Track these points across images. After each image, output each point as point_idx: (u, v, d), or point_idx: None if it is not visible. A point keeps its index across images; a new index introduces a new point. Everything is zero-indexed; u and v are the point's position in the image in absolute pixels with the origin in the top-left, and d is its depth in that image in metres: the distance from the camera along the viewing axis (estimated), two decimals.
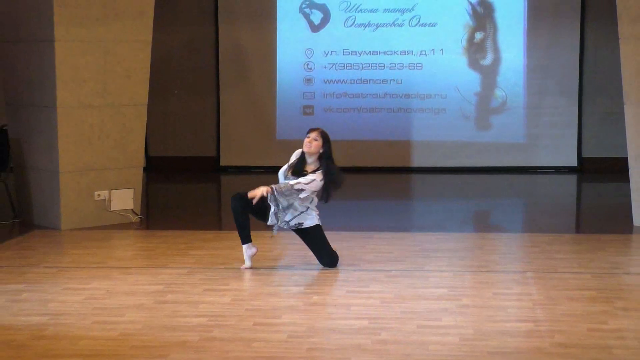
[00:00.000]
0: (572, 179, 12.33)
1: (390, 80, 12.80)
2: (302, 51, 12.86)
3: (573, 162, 12.68)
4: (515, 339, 5.38)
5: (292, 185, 6.84)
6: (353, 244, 7.96)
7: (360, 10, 12.79)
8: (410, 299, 6.24)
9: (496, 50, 12.68)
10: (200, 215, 9.60)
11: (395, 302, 6.17)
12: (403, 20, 12.74)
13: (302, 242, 7.18)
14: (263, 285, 6.71)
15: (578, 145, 12.67)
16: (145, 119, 9.18)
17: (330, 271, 7.03)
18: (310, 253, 7.17)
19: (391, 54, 12.77)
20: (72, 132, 8.68)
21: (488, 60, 12.72)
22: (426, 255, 7.57)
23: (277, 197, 6.86)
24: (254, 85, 12.92)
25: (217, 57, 12.90)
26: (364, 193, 11.51)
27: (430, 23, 12.71)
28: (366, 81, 12.84)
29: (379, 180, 12.26)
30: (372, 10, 12.78)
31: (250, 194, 6.79)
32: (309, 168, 6.99)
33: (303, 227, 7.02)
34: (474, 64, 12.72)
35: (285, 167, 7.04)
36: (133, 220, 9.08)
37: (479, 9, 12.67)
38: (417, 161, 12.80)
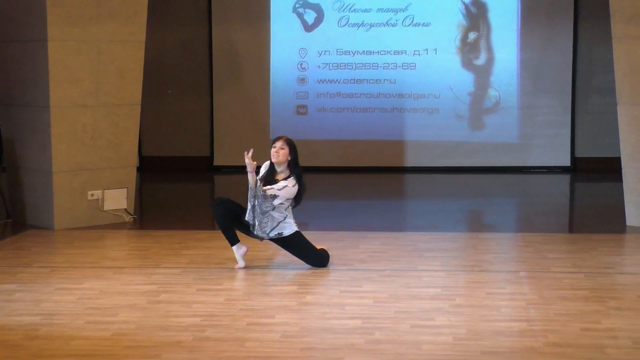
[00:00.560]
0: (566, 178, 12.35)
1: (384, 80, 12.81)
2: (295, 51, 12.86)
3: (566, 161, 12.70)
4: (508, 338, 5.39)
5: (264, 191, 6.86)
6: (346, 243, 7.96)
7: (354, 10, 12.80)
8: (404, 298, 6.25)
9: (490, 50, 12.69)
10: (193, 215, 9.59)
11: (388, 301, 6.17)
12: (396, 20, 12.75)
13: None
14: (256, 285, 6.70)
15: (571, 145, 12.69)
16: (138, 118, 9.17)
17: (323, 271, 7.03)
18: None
19: (385, 54, 12.78)
20: (66, 132, 8.67)
21: (481, 60, 12.73)
22: (420, 255, 7.58)
23: (252, 198, 6.87)
24: (247, 85, 12.92)
25: (210, 57, 12.89)
26: (357, 193, 11.51)
27: (424, 23, 12.72)
28: (360, 81, 12.85)
29: (372, 180, 12.26)
30: (365, 10, 12.78)
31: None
32: (280, 177, 7.01)
33: (283, 236, 7.03)
34: (467, 63, 12.73)
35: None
36: (126, 220, 9.07)
37: (472, 8, 12.69)
38: (410, 161, 12.81)
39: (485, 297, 6.26)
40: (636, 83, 8.65)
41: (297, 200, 7.08)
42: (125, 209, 9.12)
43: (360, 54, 12.82)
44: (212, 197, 11.86)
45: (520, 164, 12.73)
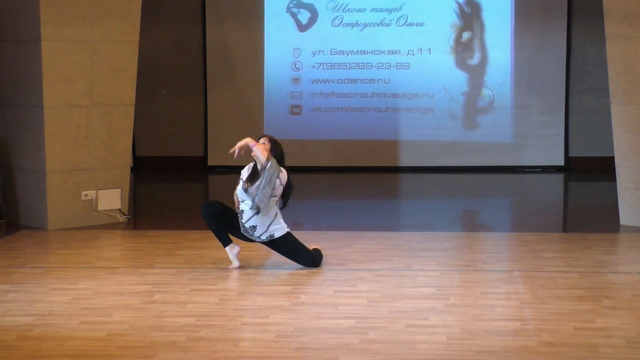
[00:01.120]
0: (559, 178, 12.36)
1: (378, 79, 12.81)
2: (289, 51, 12.85)
3: (560, 161, 12.72)
4: (502, 338, 5.39)
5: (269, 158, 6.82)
6: (341, 243, 7.96)
7: (348, 9, 12.79)
8: (398, 298, 6.25)
9: (483, 49, 12.70)
10: (188, 215, 9.58)
11: (383, 301, 6.17)
12: (390, 20, 12.75)
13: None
14: (251, 285, 6.70)
15: (565, 145, 12.71)
16: (132, 118, 9.16)
17: (318, 271, 7.03)
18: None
19: (379, 54, 12.78)
20: (59, 132, 8.66)
21: (475, 59, 12.74)
22: (414, 255, 7.58)
23: (255, 189, 6.85)
24: (241, 85, 12.91)
25: (204, 57, 12.88)
26: (351, 193, 11.51)
27: (418, 23, 12.72)
28: (354, 81, 12.84)
29: (366, 180, 12.26)
30: (359, 10, 12.78)
31: (234, 148, 6.89)
32: None
33: (274, 238, 7.02)
34: (461, 63, 12.74)
35: (239, 186, 7.03)
36: (120, 221, 9.06)
37: (466, 8, 12.69)
38: (404, 161, 12.81)
39: (479, 297, 6.27)
40: (629, 82, 8.67)
41: (284, 198, 7.06)
42: (120, 209, 9.11)
43: (354, 54, 12.82)
44: (207, 197, 11.84)
45: (514, 163, 12.74)
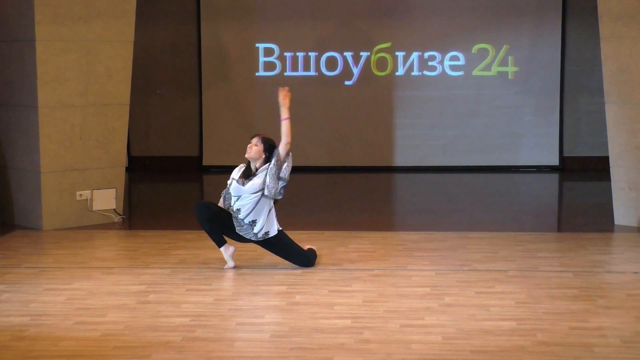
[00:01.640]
0: (554, 177, 12.38)
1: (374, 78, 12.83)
2: (284, 50, 12.84)
3: (555, 161, 12.73)
4: (497, 337, 5.40)
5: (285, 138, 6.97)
6: (335, 243, 7.96)
7: None
8: (393, 298, 6.25)
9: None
10: (182, 215, 9.57)
11: (378, 301, 6.17)
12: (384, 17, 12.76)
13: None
14: (246, 284, 6.70)
15: (560, 144, 12.73)
16: (127, 118, 9.15)
17: (312, 270, 7.03)
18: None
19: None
20: (54, 132, 8.65)
21: None
22: (409, 255, 7.59)
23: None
24: (236, 85, 12.91)
25: (199, 57, 12.88)
26: (346, 192, 11.52)
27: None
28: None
29: (361, 179, 12.27)
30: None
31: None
32: (259, 167, 6.99)
33: (269, 236, 7.02)
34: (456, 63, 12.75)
35: (232, 186, 7.03)
36: (115, 221, 9.05)
37: None
38: (399, 160, 12.82)
39: (474, 297, 6.27)
40: (624, 82, 8.68)
41: (282, 191, 7.05)
42: (114, 209, 9.10)
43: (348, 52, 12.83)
44: (202, 196, 11.84)
45: (509, 163, 12.75)
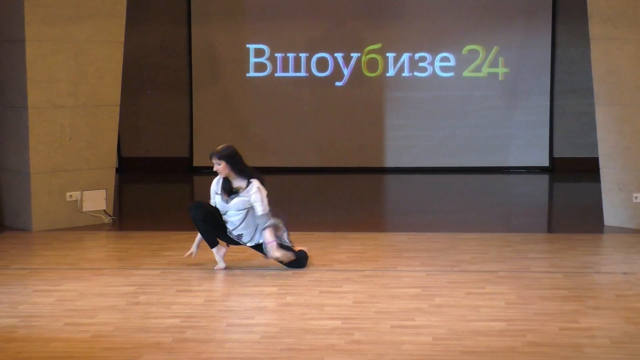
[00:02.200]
0: (544, 178, 12.40)
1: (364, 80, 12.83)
2: (274, 51, 12.84)
3: (545, 162, 12.76)
4: (488, 338, 5.41)
5: (269, 221, 6.93)
6: (326, 244, 7.96)
7: None
8: (384, 299, 6.26)
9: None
10: (173, 216, 9.56)
11: (368, 302, 6.18)
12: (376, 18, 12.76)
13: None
14: (236, 286, 6.70)
15: (550, 145, 12.75)
16: (117, 119, 9.14)
17: (303, 272, 7.03)
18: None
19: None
20: (44, 133, 8.63)
21: None
22: (399, 255, 7.59)
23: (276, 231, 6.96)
24: (227, 86, 12.89)
25: (190, 58, 12.86)
26: (337, 193, 11.52)
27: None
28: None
29: (352, 180, 12.27)
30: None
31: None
32: (240, 186, 7.00)
33: (261, 242, 7.03)
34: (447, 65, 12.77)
35: (217, 200, 7.05)
36: (105, 222, 9.03)
37: None
38: (390, 161, 12.82)
39: (464, 297, 6.28)
40: (613, 84, 8.71)
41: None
42: (104, 210, 9.08)
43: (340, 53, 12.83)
44: (192, 198, 11.82)
45: (499, 164, 12.77)
